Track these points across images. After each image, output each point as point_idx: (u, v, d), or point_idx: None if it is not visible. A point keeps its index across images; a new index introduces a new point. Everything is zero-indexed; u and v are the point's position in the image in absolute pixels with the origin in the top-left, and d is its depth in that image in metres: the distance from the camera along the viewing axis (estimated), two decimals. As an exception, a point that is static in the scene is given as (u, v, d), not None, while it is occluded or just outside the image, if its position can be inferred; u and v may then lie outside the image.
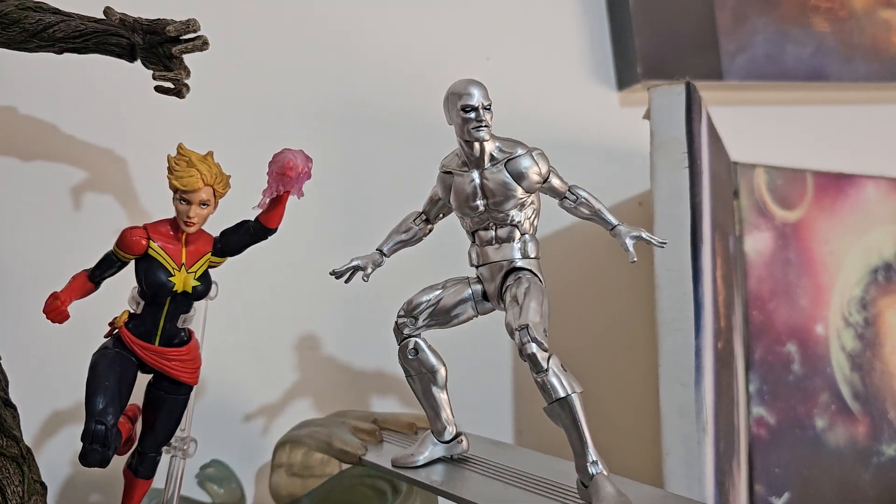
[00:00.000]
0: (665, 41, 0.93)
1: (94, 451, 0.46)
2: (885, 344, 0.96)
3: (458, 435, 0.55)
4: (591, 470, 0.45)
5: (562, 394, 0.45)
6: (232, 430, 0.76)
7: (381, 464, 0.56)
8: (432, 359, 0.54)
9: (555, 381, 0.46)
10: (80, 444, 0.66)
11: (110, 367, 0.49)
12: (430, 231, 0.57)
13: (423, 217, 0.57)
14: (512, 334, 0.47)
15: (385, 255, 0.56)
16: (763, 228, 0.92)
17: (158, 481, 0.60)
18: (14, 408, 0.57)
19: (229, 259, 0.55)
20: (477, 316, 0.54)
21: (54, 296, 0.49)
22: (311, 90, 0.77)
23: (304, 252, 0.77)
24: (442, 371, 0.54)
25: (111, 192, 0.73)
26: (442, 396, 0.55)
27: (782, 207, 0.94)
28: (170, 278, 0.50)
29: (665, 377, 0.65)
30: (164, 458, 0.57)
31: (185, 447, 0.56)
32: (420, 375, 0.54)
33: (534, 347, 0.46)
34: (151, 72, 0.59)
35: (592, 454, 0.45)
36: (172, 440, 0.56)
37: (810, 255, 0.95)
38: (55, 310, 0.49)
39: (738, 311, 0.87)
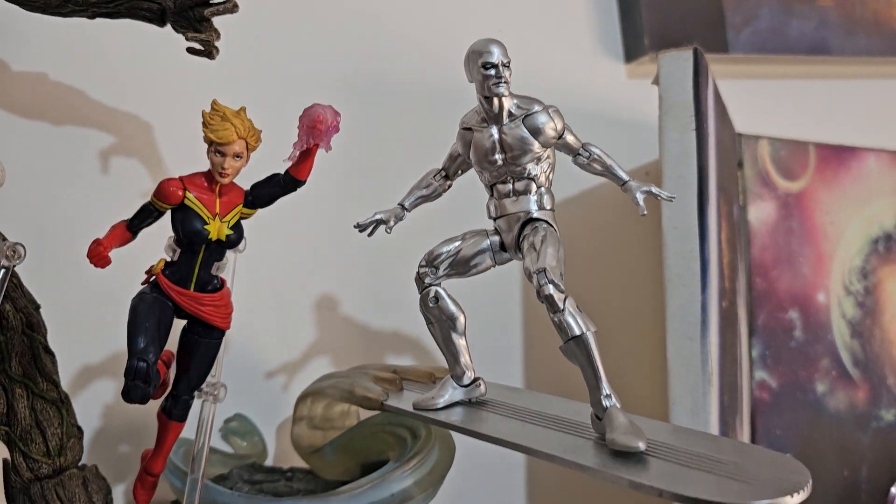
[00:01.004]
0: (672, 14, 0.95)
1: (136, 387, 0.49)
2: (885, 312, 0.98)
3: (476, 379, 0.58)
4: (605, 403, 0.48)
5: (577, 332, 0.48)
6: (255, 386, 0.79)
7: (402, 407, 0.59)
8: (452, 307, 0.57)
9: (570, 320, 0.48)
10: (121, 383, 0.70)
11: (149, 311, 0.51)
12: (450, 187, 0.60)
13: (443, 173, 0.59)
14: (530, 277, 0.50)
15: (406, 209, 0.59)
16: (766, 198, 0.95)
17: (188, 432, 0.63)
18: (53, 354, 0.60)
19: (254, 224, 0.57)
20: (494, 266, 0.57)
21: (97, 242, 0.52)
22: (331, 59, 0.80)
23: (325, 217, 0.79)
24: (461, 318, 0.57)
25: (137, 157, 0.75)
26: (461, 342, 0.57)
27: (785, 178, 0.96)
28: (205, 226, 0.52)
29: (672, 331, 0.68)
30: (196, 403, 0.60)
31: (215, 392, 0.59)
32: (440, 323, 0.57)
33: (551, 289, 0.48)
34: (180, 36, 0.61)
35: (606, 388, 0.48)
36: (204, 385, 0.58)
37: (812, 224, 0.97)
38: (98, 255, 0.52)
39: (742, 278, 0.90)
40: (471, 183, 0.60)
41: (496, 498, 0.87)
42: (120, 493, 0.69)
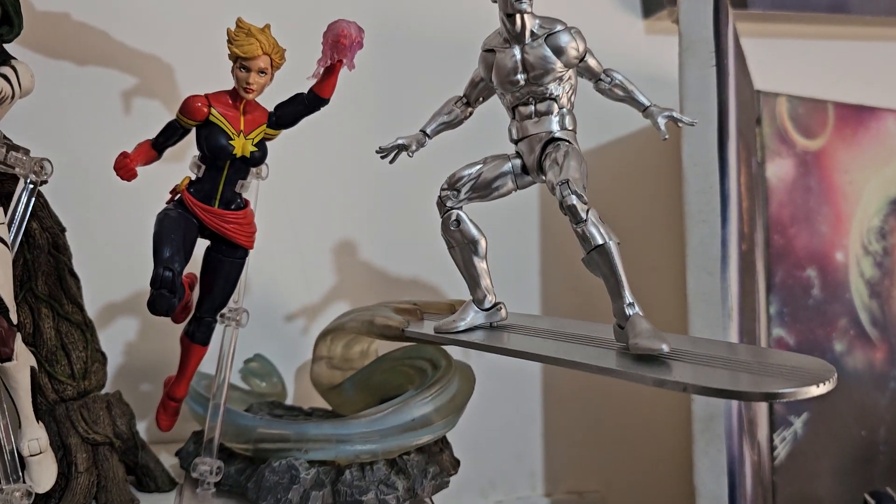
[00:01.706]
0: (691, -32, 0.95)
1: (162, 296, 0.49)
2: (904, 273, 0.98)
3: (497, 304, 0.58)
4: (628, 311, 0.48)
5: (600, 241, 0.48)
6: (275, 329, 0.79)
7: (423, 332, 0.59)
8: (473, 230, 0.57)
9: (593, 229, 0.48)
10: (142, 320, 0.71)
11: (175, 224, 0.52)
12: (471, 114, 0.60)
13: (464, 100, 0.59)
14: (553, 190, 0.50)
15: (428, 135, 0.59)
16: (784, 155, 0.94)
17: (209, 365, 0.64)
18: (77, 278, 0.60)
19: (273, 169, 0.58)
20: (516, 189, 0.57)
21: (123, 154, 0.53)
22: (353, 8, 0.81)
23: (343, 164, 0.80)
24: (482, 242, 0.57)
25: (158, 98, 0.76)
26: (482, 266, 0.57)
27: (804, 136, 0.96)
28: (230, 142, 0.53)
29: (692, 266, 0.68)
30: (218, 330, 0.60)
31: (238, 317, 0.59)
32: (461, 246, 0.57)
33: (574, 199, 0.49)
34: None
35: (629, 297, 0.48)
36: (226, 310, 0.59)
37: (830, 183, 0.97)
38: (124, 167, 0.52)
39: (760, 233, 0.90)
40: (488, 115, 0.60)
41: (514, 434, 0.88)
42: (142, 429, 0.69)
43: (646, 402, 0.88)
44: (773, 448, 0.90)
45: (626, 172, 0.90)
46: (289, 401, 0.78)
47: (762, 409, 0.87)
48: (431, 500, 0.60)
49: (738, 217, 0.71)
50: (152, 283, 0.49)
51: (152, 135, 0.56)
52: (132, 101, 0.75)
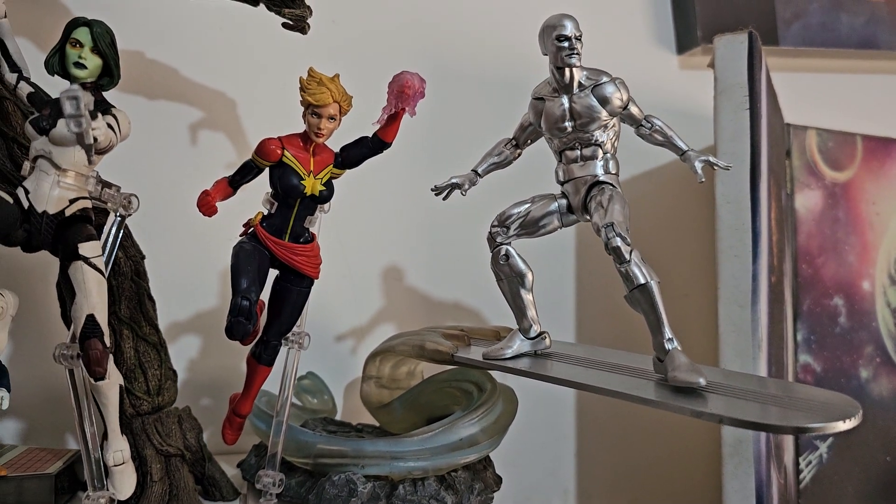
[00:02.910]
0: (724, 7, 0.99)
1: (239, 324, 0.54)
2: (930, 303, 1.00)
3: (541, 333, 0.62)
4: (667, 346, 0.52)
5: (642, 280, 0.52)
6: (325, 349, 0.84)
7: (472, 358, 0.63)
8: (521, 264, 0.61)
9: (636, 270, 0.53)
10: (203, 338, 0.76)
11: (250, 256, 0.57)
12: (519, 156, 0.65)
13: (514, 142, 0.64)
14: (598, 232, 0.54)
15: (479, 175, 0.64)
16: (813, 187, 0.98)
17: (271, 385, 0.68)
18: (154, 302, 0.65)
19: (330, 209, 0.63)
20: (561, 227, 0.61)
21: (205, 192, 0.58)
22: (408, 45, 0.86)
23: (395, 198, 0.85)
24: (529, 275, 0.61)
25: (222, 130, 0.81)
26: (528, 297, 0.62)
27: (832, 168, 0.99)
28: (301, 181, 0.57)
29: (724, 299, 0.71)
30: (282, 352, 0.65)
31: (300, 340, 0.64)
32: (509, 279, 0.62)
33: (618, 241, 0.53)
34: (264, 18, 0.67)
35: (668, 332, 0.52)
36: (290, 334, 0.64)
37: (858, 214, 1.00)
38: (206, 203, 0.57)
39: (788, 263, 0.93)
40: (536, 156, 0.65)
41: (549, 454, 0.91)
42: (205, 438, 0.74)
43: (675, 426, 0.92)
44: (798, 472, 0.93)
45: (661, 204, 0.94)
46: (338, 416, 0.82)
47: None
48: (477, 515, 0.64)
49: (767, 251, 0.75)
50: (231, 312, 0.54)
51: (217, 166, 0.61)
52: (198, 135, 0.80)
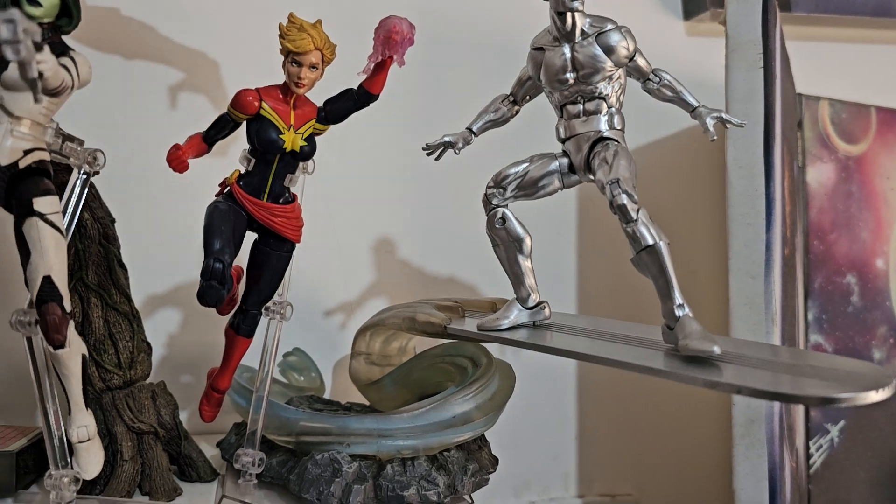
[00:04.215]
0: (734, -31, 0.94)
1: (212, 288, 0.50)
2: (946, 282, 0.96)
3: (540, 302, 0.58)
4: (678, 312, 0.48)
5: (650, 241, 0.48)
6: (313, 324, 0.80)
7: (466, 329, 0.59)
8: (518, 228, 0.57)
9: (644, 230, 0.48)
10: (184, 312, 0.71)
11: (225, 216, 0.52)
12: (517, 113, 0.60)
13: (511, 98, 0.59)
14: (603, 189, 0.50)
15: (475, 133, 0.59)
16: (826, 160, 0.93)
17: (252, 359, 0.64)
18: (126, 269, 0.61)
19: (314, 170, 0.58)
20: (562, 188, 0.57)
21: (176, 146, 0.53)
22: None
23: (384, 162, 0.80)
24: (527, 241, 0.57)
25: (203, 93, 0.77)
26: (526, 264, 0.57)
27: (845, 141, 0.95)
28: (280, 136, 0.53)
29: (735, 270, 0.67)
30: (262, 323, 0.61)
31: (282, 310, 0.60)
32: (506, 244, 0.57)
33: (624, 198, 0.48)
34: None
35: (679, 298, 0.48)
36: (271, 303, 0.59)
37: (872, 189, 0.95)
38: (176, 158, 0.53)
39: (800, 238, 0.89)
40: (535, 113, 0.60)
41: (548, 436, 0.87)
42: (183, 420, 0.70)
43: (682, 406, 0.88)
44: (808, 456, 0.89)
45: (666, 174, 0.90)
46: (326, 395, 0.78)
47: (800, 415, 0.86)
48: (471, 498, 0.60)
49: (781, 221, 0.71)
50: (203, 275, 0.50)
51: (200, 128, 0.57)
52: (178, 96, 0.76)
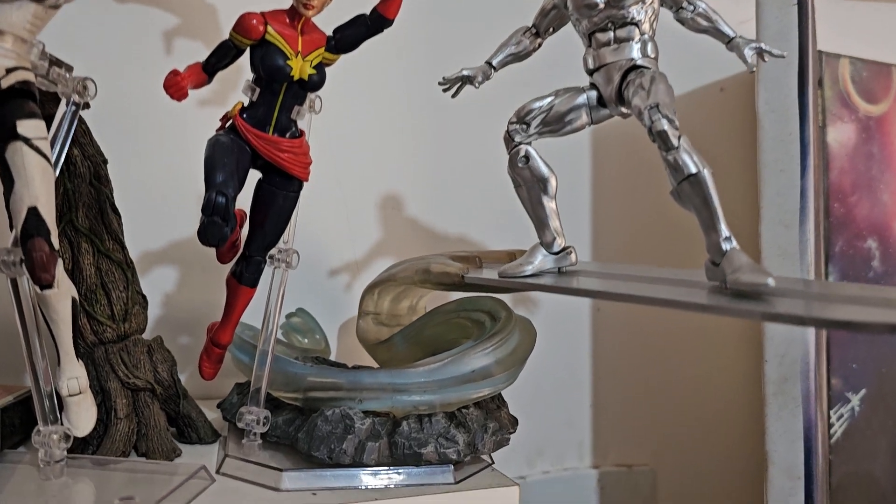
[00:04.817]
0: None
1: (214, 224, 0.45)
2: (968, 247, 0.93)
3: (567, 247, 0.54)
4: (725, 246, 0.44)
5: (693, 169, 0.44)
6: (317, 284, 0.76)
7: (486, 277, 0.55)
8: (543, 167, 0.53)
9: (686, 157, 0.44)
10: (183, 270, 0.67)
11: (227, 149, 0.48)
12: (540, 46, 0.56)
13: (533, 30, 0.55)
14: (640, 115, 0.46)
15: (494, 67, 0.55)
16: (846, 120, 0.90)
17: (251, 317, 0.60)
18: (119, 214, 0.57)
19: (321, 109, 0.54)
20: (590, 124, 0.53)
21: (174, 72, 0.49)
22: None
23: (391, 111, 0.76)
24: (552, 181, 0.53)
25: (200, 39, 0.72)
26: (551, 206, 0.54)
27: (866, 101, 0.91)
28: (287, 62, 0.49)
29: (767, 219, 0.63)
30: (267, 273, 0.57)
31: (288, 259, 0.55)
32: (529, 185, 0.53)
33: (665, 123, 0.44)
34: None
35: (725, 230, 0.44)
36: (275, 251, 0.55)
37: (892, 150, 0.92)
38: (175, 84, 0.48)
39: (821, 200, 0.85)
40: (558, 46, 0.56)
41: (562, 403, 0.84)
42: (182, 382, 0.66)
43: (703, 369, 0.84)
44: (830, 426, 0.86)
45: (692, 126, 0.86)
46: (332, 358, 0.74)
47: (822, 382, 0.82)
48: (491, 458, 0.56)
49: (815, 168, 0.67)
50: (204, 210, 0.46)
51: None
52: (174, 39, 0.71)
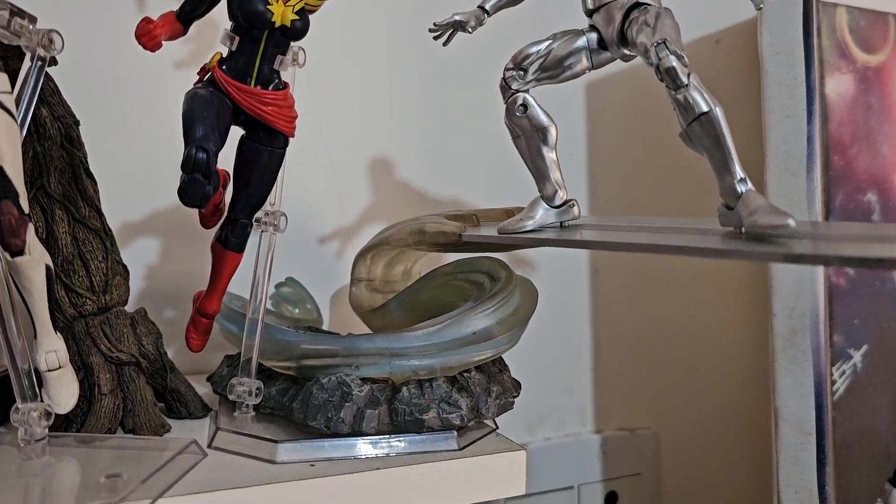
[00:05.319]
0: None
1: (195, 182, 0.42)
2: (968, 198, 0.92)
3: (569, 200, 0.51)
4: (740, 188, 0.41)
5: (705, 108, 0.41)
6: (306, 252, 0.73)
7: (485, 234, 0.53)
8: (542, 116, 0.50)
9: (696, 95, 0.42)
10: (165, 241, 0.64)
11: (206, 102, 0.45)
12: (534, -12, 0.53)
13: (527, -28, 0.52)
14: (646, 53, 0.43)
15: (487, 12, 0.52)
16: (844, 71, 0.87)
17: (239, 287, 0.57)
18: (94, 179, 0.54)
19: (306, 62, 0.50)
20: (591, 68, 0.50)
21: (146, 20, 0.46)
22: None
23: (379, 67, 0.73)
24: (552, 130, 0.51)
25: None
26: (551, 157, 0.51)
27: (864, 51, 0.89)
28: (268, 6, 0.46)
29: (773, 167, 0.61)
30: (253, 239, 0.54)
31: (275, 221, 0.53)
32: (528, 135, 0.51)
33: (673, 60, 0.42)
34: None
35: (740, 171, 0.42)
36: (262, 214, 0.52)
37: (892, 101, 0.90)
38: (147, 33, 0.45)
39: (820, 153, 0.83)
40: None
41: (562, 368, 0.81)
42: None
43: (706, 328, 0.82)
44: (832, 382, 0.84)
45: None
46: (325, 328, 0.71)
47: (826, 338, 0.81)
48: (495, 423, 0.54)
49: (822, 114, 0.64)
50: (184, 166, 0.43)
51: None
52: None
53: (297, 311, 0.70)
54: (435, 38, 0.52)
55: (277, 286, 0.69)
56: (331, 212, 0.73)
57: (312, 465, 0.46)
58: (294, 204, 0.68)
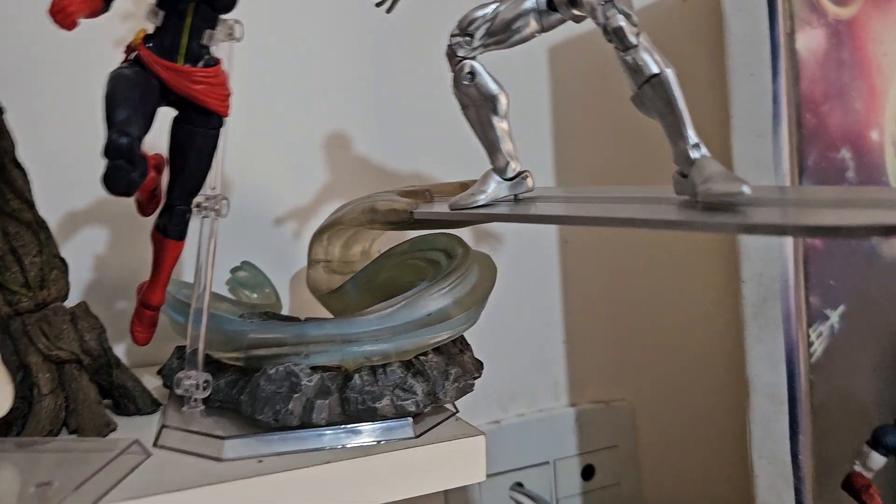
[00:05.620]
0: None
1: (119, 169, 0.40)
2: (944, 153, 0.90)
3: (522, 172, 0.49)
4: (693, 154, 0.39)
5: (655, 69, 0.39)
6: (262, 234, 0.70)
7: (437, 211, 0.50)
8: (491, 84, 0.48)
9: (646, 56, 0.39)
10: (113, 230, 0.61)
11: (131, 83, 0.42)
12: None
13: (474, -68, 0.49)
14: (593, 12, 0.41)
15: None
16: (815, 25, 0.85)
17: (186, 273, 0.55)
18: (24, 170, 0.51)
19: (247, 48, 0.47)
20: (541, 31, 0.48)
21: (59, -6, 0.43)
22: None
23: (325, 45, 0.70)
24: (502, 99, 0.48)
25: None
26: (502, 126, 0.48)
27: (835, 3, 0.86)
28: (190, -23, 0.43)
29: (738, 128, 0.59)
30: (195, 225, 0.51)
31: (216, 206, 0.50)
32: (477, 105, 0.48)
33: (620, 19, 0.39)
34: None
35: (693, 136, 0.39)
36: (202, 198, 0.50)
37: (864, 55, 0.88)
38: (62, 10, 0.42)
39: (792, 112, 0.81)
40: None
41: (533, 342, 0.80)
42: (119, 354, 0.60)
43: (677, 297, 0.80)
44: (809, 344, 0.83)
45: (655, 37, 0.80)
46: (284, 312, 0.69)
47: (801, 301, 0.79)
48: (455, 406, 0.52)
49: (786, 75, 0.62)
50: (106, 153, 0.40)
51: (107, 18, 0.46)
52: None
53: (254, 295, 0.67)
54: (377, 5, 0.50)
55: (233, 271, 0.67)
56: (285, 192, 0.70)
57: (260, 462, 0.44)
58: (246, 184, 0.66)
